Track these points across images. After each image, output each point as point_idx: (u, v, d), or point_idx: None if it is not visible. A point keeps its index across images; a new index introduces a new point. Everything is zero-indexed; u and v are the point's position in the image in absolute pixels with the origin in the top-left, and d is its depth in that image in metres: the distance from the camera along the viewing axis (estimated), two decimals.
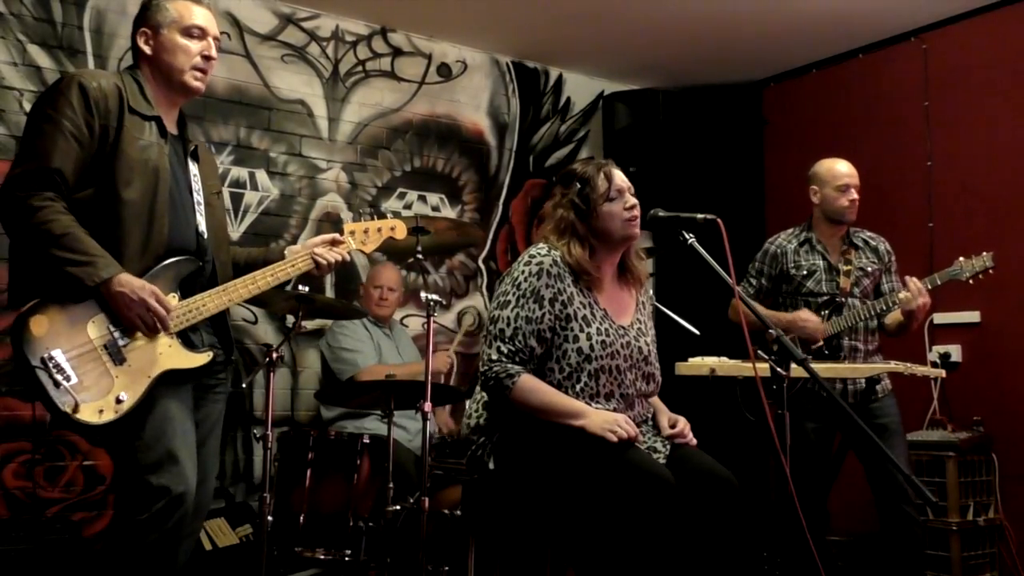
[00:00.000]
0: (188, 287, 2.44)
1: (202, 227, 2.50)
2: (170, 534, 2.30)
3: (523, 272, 2.50)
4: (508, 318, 2.47)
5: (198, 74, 2.48)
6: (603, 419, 2.36)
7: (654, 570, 2.27)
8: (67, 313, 2.24)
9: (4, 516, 3.77)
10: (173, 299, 2.38)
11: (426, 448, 3.17)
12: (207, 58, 2.49)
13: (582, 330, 2.47)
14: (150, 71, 2.48)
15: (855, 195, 3.64)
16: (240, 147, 4.53)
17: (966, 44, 4.64)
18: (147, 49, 2.46)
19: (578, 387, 2.45)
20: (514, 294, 2.49)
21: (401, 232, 2.83)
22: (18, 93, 4.01)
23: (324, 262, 2.61)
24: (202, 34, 2.49)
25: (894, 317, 3.60)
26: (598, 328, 2.49)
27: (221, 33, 2.71)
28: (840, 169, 3.68)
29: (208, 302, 2.43)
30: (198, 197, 2.52)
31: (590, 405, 2.45)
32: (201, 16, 2.50)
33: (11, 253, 2.35)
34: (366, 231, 2.76)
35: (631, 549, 2.25)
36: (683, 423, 2.60)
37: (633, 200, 2.57)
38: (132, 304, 2.26)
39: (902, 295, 3.45)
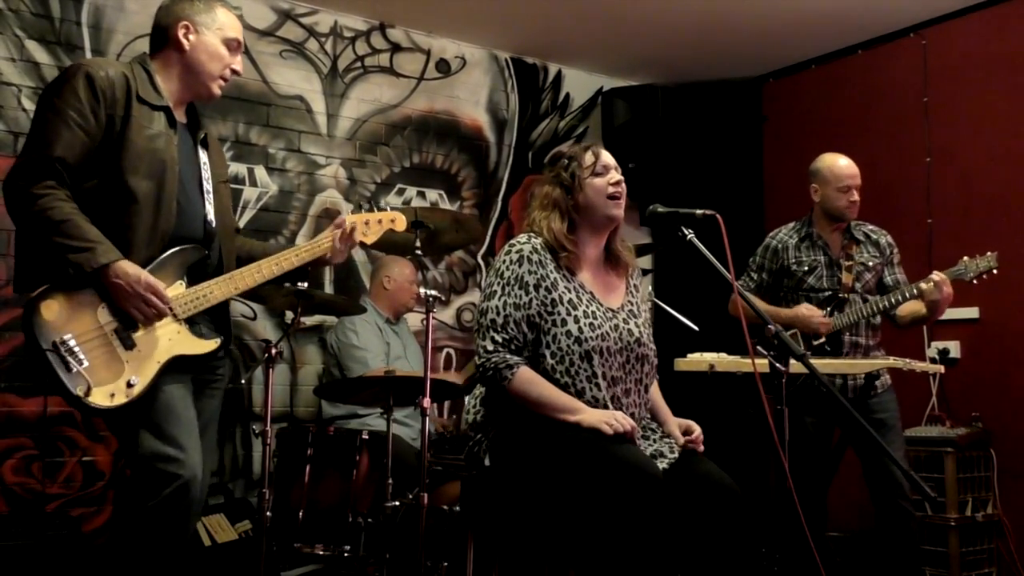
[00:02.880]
0: (195, 275, 2.46)
1: (210, 216, 2.53)
2: (179, 520, 2.32)
3: (504, 262, 2.53)
4: (497, 307, 2.48)
5: (222, 83, 2.56)
6: (600, 415, 2.37)
7: (644, 563, 2.27)
8: (77, 298, 2.27)
9: (4, 512, 3.77)
10: (180, 286, 2.40)
11: (424, 444, 3.17)
12: (234, 71, 2.57)
13: (569, 314, 2.48)
14: (176, 64, 2.50)
15: (856, 196, 3.62)
16: (239, 143, 4.53)
17: (965, 40, 4.63)
18: (186, 43, 2.49)
19: (572, 370, 2.45)
20: (499, 284, 2.51)
21: (401, 224, 2.86)
22: (16, 89, 4.00)
23: (340, 246, 2.64)
24: (237, 48, 2.57)
25: (910, 308, 3.56)
26: (584, 311, 2.49)
27: None
28: (841, 169, 3.64)
29: (215, 289, 2.46)
30: (207, 186, 2.55)
31: (586, 388, 2.45)
32: (240, 32, 2.58)
33: (18, 241, 2.37)
34: (367, 223, 2.79)
35: (620, 542, 2.25)
36: (698, 430, 2.60)
37: (619, 176, 2.59)
38: (129, 296, 2.28)
39: (924, 286, 3.42)
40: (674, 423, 2.65)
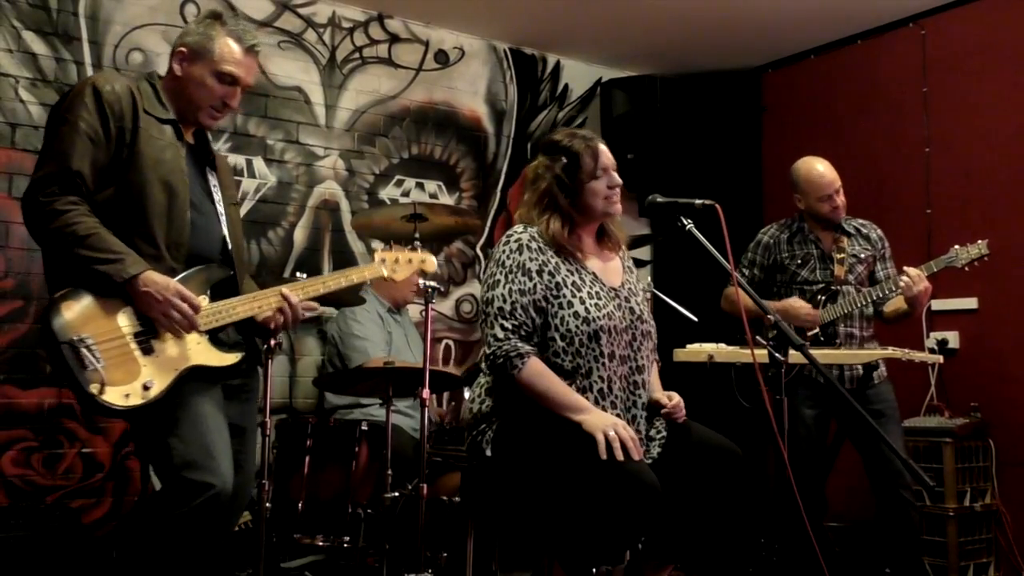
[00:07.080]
0: (220, 294, 2.48)
1: (227, 237, 2.56)
2: (209, 527, 2.33)
3: (504, 251, 2.54)
4: (503, 295, 2.49)
5: (214, 113, 2.55)
6: (603, 421, 2.36)
7: (634, 559, 2.29)
8: (99, 302, 2.28)
9: (3, 503, 3.77)
10: (203, 300, 2.41)
11: (424, 435, 3.17)
12: (226, 105, 2.54)
13: (574, 295, 2.49)
14: (172, 87, 2.52)
15: (838, 200, 3.64)
16: (237, 134, 4.52)
17: (965, 30, 4.62)
18: (178, 69, 2.50)
19: (582, 351, 2.46)
20: (501, 272, 2.52)
21: (431, 266, 2.96)
22: (14, 80, 3.99)
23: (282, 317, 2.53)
24: (232, 81, 2.52)
25: (894, 305, 3.60)
26: (589, 292, 2.51)
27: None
28: (817, 180, 3.64)
29: (239, 307, 2.48)
30: (219, 207, 2.57)
31: (594, 368, 2.46)
32: (240, 66, 2.53)
33: (44, 253, 2.39)
34: (397, 260, 2.86)
35: (611, 543, 2.28)
36: (677, 398, 2.61)
37: (618, 180, 2.60)
38: (157, 304, 2.30)
39: (903, 280, 3.44)
40: (658, 392, 2.65)
